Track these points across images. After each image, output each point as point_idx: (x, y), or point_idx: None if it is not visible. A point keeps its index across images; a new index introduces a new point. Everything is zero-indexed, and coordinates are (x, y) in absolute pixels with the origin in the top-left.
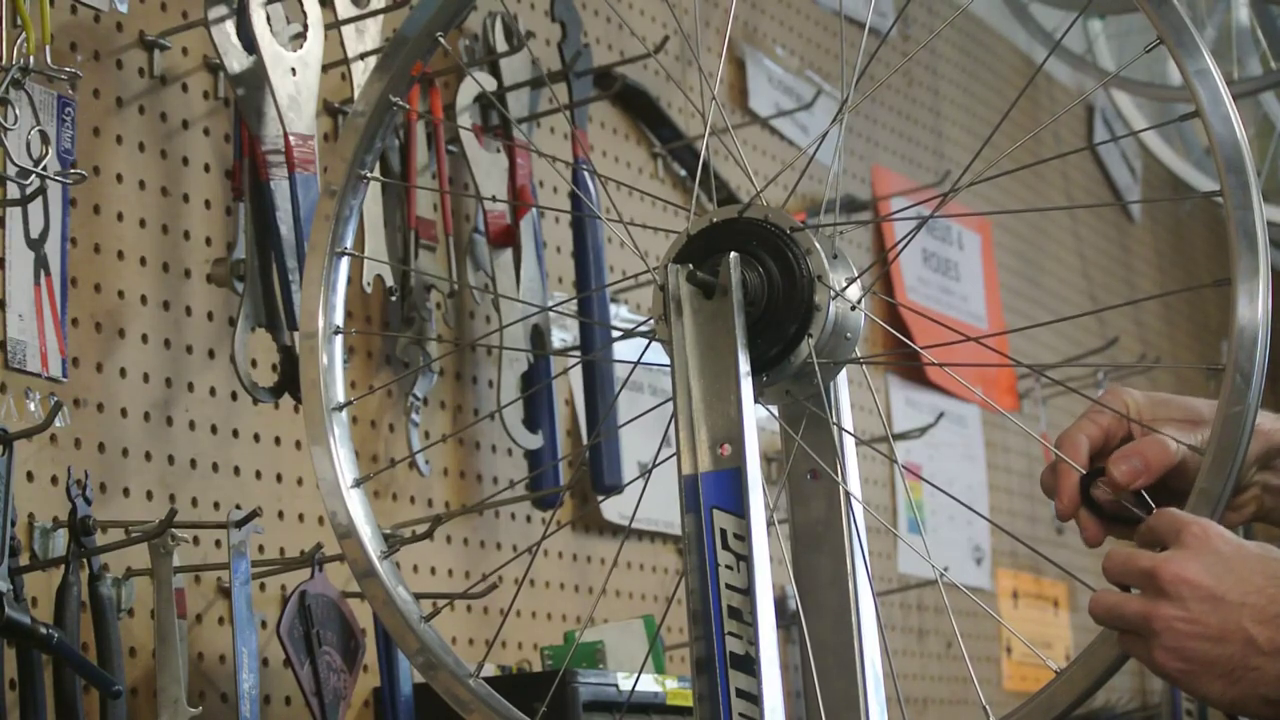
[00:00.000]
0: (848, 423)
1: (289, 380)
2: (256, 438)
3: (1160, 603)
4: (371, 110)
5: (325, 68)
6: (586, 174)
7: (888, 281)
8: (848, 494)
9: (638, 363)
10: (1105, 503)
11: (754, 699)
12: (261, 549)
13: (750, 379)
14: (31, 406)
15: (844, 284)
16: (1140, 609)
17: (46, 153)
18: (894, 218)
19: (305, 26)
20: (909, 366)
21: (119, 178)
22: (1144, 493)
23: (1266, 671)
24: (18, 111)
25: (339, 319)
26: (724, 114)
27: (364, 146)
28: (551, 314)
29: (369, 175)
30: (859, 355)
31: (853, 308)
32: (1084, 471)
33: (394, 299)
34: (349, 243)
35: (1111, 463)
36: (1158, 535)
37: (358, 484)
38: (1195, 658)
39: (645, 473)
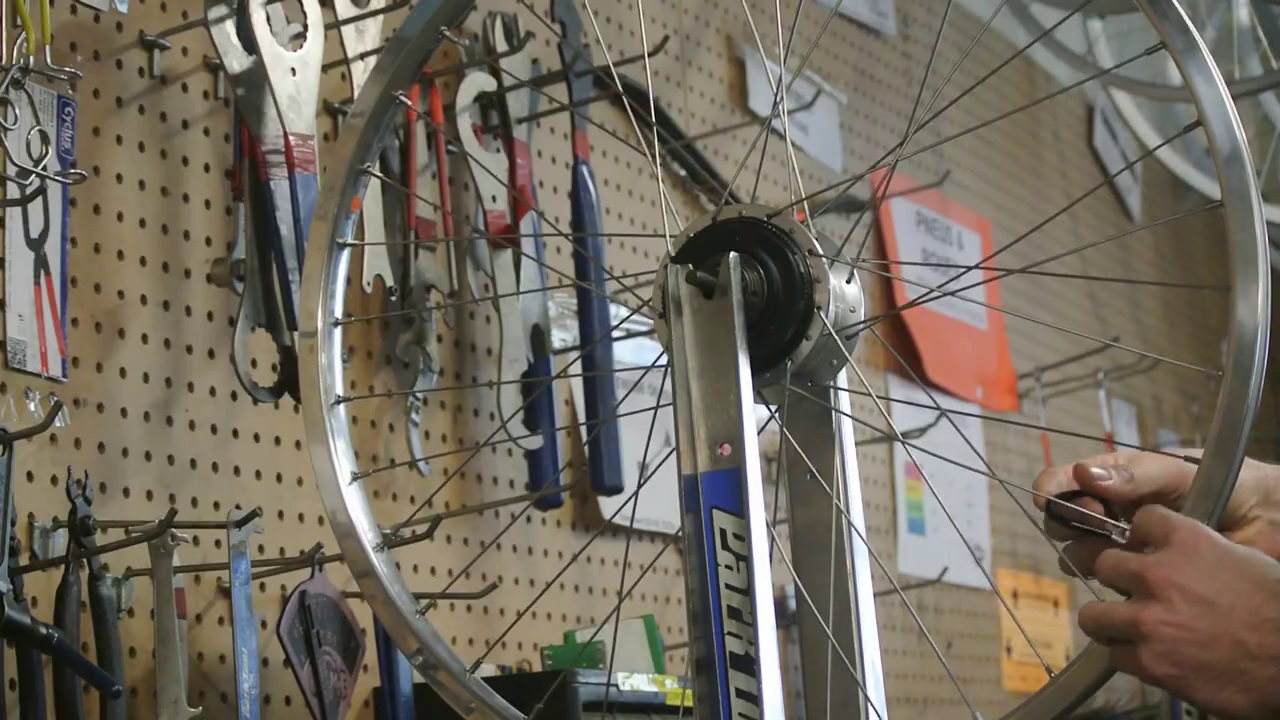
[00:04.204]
0: (847, 425)
1: (289, 380)
2: (256, 438)
3: (1149, 605)
4: (372, 108)
5: (325, 68)
6: (587, 175)
7: (885, 279)
8: (845, 495)
9: (648, 369)
10: (1068, 511)
11: (754, 699)
12: (261, 549)
13: (750, 379)
14: (31, 406)
15: (836, 249)
16: (1128, 614)
17: (46, 153)
18: (871, 170)
19: (305, 26)
20: (911, 310)
21: (119, 178)
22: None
23: (1256, 676)
24: (18, 111)
25: (339, 311)
26: (664, 138)
27: (363, 146)
28: (551, 314)
29: (370, 171)
30: (869, 325)
31: (848, 280)
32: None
33: (394, 299)
34: (349, 236)
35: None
36: (1147, 534)
37: (355, 479)
38: (1184, 662)
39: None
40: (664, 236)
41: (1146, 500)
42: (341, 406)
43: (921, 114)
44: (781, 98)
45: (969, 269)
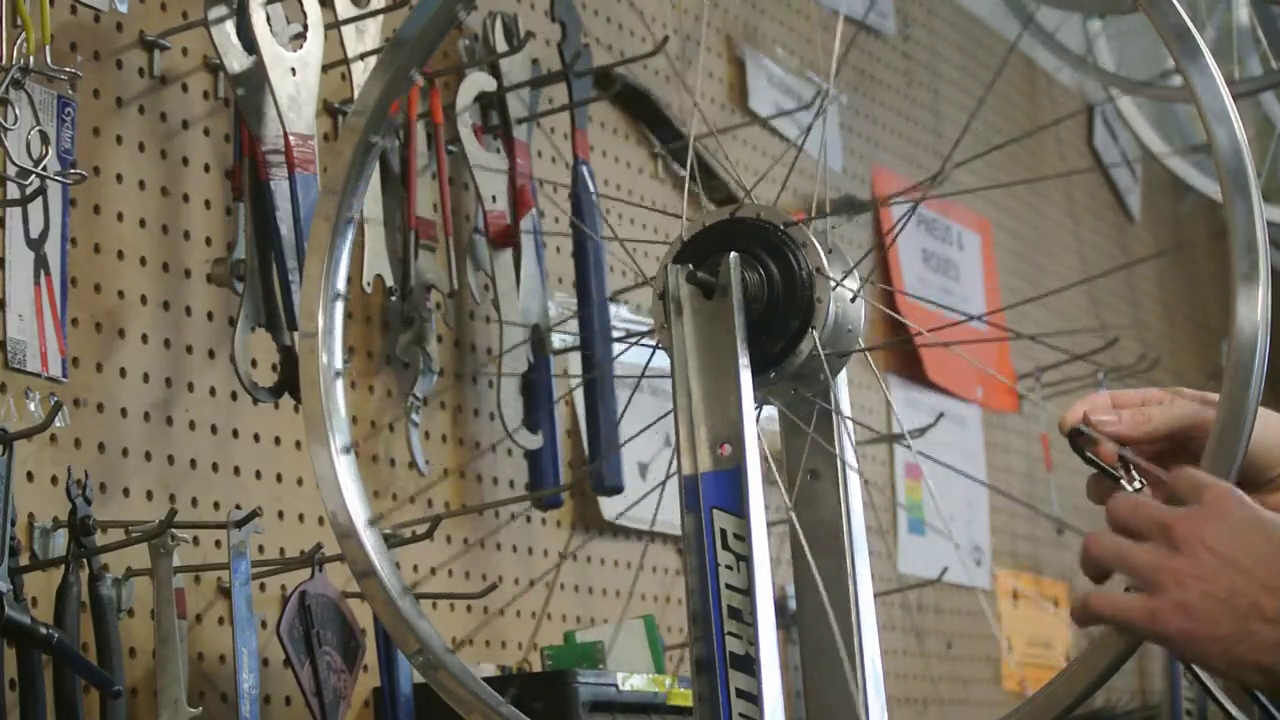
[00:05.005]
0: (848, 424)
1: (289, 380)
2: (256, 438)
3: (1175, 556)
4: (370, 112)
5: (325, 68)
6: (587, 175)
7: (887, 278)
8: (846, 496)
9: (643, 374)
10: (1085, 446)
11: (754, 699)
12: (261, 549)
13: (750, 380)
14: (31, 406)
15: (842, 275)
16: (1152, 560)
17: (46, 153)
18: (889, 202)
19: (305, 26)
20: (906, 349)
21: (119, 178)
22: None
23: (1265, 638)
24: (18, 111)
25: (340, 285)
26: (706, 120)
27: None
28: (552, 315)
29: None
30: (860, 351)
31: (852, 299)
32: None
33: (394, 299)
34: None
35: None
36: (1177, 493)
37: (372, 523)
38: (1200, 616)
39: (656, 482)
40: (667, 236)
41: (1162, 441)
42: (339, 383)
43: (959, 154)
44: (823, 111)
45: (975, 318)
